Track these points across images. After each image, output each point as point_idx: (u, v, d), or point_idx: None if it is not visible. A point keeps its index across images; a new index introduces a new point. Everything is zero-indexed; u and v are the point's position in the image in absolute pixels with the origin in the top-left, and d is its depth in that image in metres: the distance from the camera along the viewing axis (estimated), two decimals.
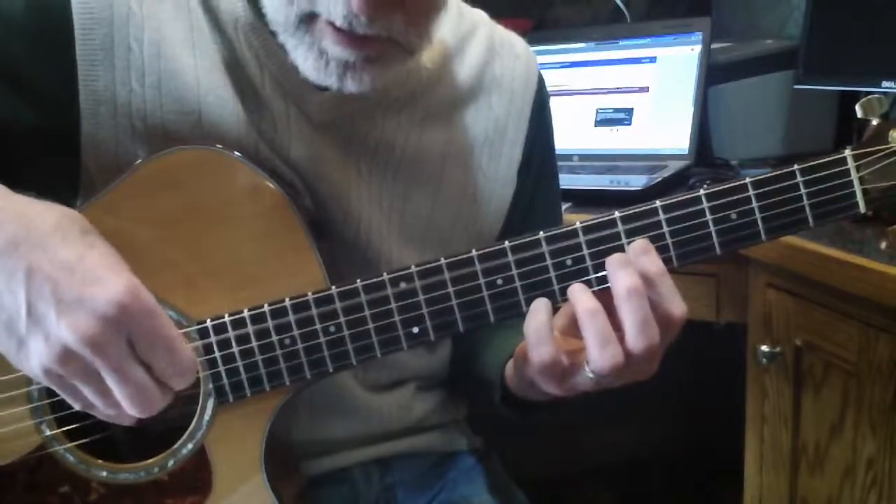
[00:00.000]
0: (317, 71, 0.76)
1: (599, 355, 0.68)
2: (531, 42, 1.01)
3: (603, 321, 0.68)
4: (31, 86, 0.79)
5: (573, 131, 1.67)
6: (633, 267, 0.68)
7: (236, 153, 0.78)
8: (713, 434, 1.72)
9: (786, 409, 1.20)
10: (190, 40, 0.81)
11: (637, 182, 1.41)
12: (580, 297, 0.69)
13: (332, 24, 0.72)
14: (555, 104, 1.02)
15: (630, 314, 0.67)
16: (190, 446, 0.78)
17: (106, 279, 0.64)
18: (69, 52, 0.78)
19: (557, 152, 1.03)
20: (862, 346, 1.06)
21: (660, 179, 1.42)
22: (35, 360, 0.65)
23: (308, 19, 0.74)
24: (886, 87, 1.37)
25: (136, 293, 0.65)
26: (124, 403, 0.67)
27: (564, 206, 1.29)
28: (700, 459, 1.92)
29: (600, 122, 1.66)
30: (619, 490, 2.03)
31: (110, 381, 0.66)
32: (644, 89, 1.63)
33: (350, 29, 0.71)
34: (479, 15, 0.97)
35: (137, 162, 0.78)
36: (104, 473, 0.79)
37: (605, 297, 0.69)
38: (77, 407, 0.69)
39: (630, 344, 0.68)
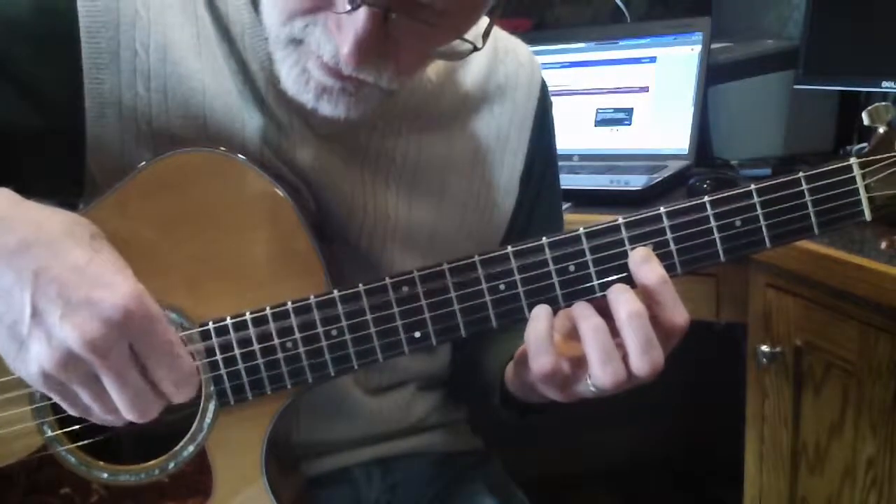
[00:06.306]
0: (296, 86, 0.75)
1: (602, 372, 0.68)
2: (531, 42, 1.01)
3: (605, 338, 0.68)
4: (36, 88, 0.78)
5: (573, 131, 1.67)
6: (632, 293, 0.68)
7: (240, 156, 0.78)
8: (713, 434, 1.73)
9: (786, 409, 1.21)
10: (196, 46, 0.81)
11: (637, 182, 1.41)
12: (583, 312, 0.69)
13: (320, 56, 0.72)
14: (555, 104, 1.01)
15: (632, 337, 0.67)
16: (191, 449, 0.78)
17: (113, 283, 0.65)
18: (75, 55, 0.78)
19: (557, 152, 1.02)
20: (862, 346, 1.06)
21: (660, 179, 1.42)
22: (34, 363, 0.65)
23: (298, 42, 0.73)
24: (886, 87, 1.37)
25: (142, 299, 0.66)
26: (122, 408, 0.68)
27: (564, 206, 1.28)
28: (700, 459, 1.93)
29: (600, 122, 1.66)
30: (619, 490, 2.03)
31: (109, 386, 0.66)
32: (644, 89, 1.63)
33: (336, 67, 0.71)
34: (483, 23, 0.96)
35: (141, 164, 0.78)
36: (105, 475, 0.79)
37: (607, 307, 0.69)
38: (71, 412, 0.70)
39: (634, 366, 0.68)
